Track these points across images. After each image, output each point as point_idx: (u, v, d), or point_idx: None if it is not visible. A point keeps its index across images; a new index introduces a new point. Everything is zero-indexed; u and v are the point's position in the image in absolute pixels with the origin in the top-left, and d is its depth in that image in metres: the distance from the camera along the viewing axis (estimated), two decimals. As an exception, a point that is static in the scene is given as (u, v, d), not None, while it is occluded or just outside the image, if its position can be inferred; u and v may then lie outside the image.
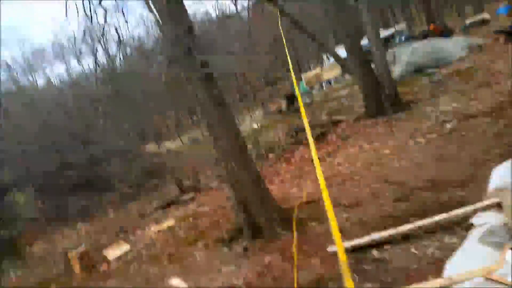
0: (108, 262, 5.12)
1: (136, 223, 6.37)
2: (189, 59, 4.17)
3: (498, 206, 2.99)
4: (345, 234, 3.49)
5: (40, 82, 39.63)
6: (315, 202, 4.36)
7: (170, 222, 5.75)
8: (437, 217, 3.09)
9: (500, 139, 4.29)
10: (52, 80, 39.54)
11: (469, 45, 11.41)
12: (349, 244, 3.25)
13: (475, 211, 3.06)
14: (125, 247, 5.40)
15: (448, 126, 5.30)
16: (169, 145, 13.63)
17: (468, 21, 23.27)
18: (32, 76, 38.22)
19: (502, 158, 3.75)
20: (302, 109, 3.68)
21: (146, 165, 9.58)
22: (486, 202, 3.06)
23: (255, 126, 12.38)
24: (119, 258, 5.14)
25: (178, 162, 10.04)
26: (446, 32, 20.55)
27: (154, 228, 5.88)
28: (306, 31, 12.39)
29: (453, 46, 11.16)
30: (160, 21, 4.37)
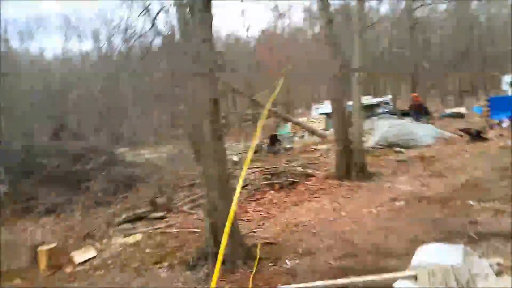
0: (74, 264, 5.29)
1: (103, 231, 6.65)
2: (210, 77, 4.38)
3: (415, 278, 3.78)
4: (296, 277, 4.17)
5: (33, 50, 38.87)
6: (275, 245, 5.03)
7: (137, 237, 6.02)
8: (370, 277, 3.84)
9: (438, 225, 5.14)
10: (44, 53, 39.01)
11: (438, 135, 12.74)
12: (296, 286, 3.93)
13: (398, 278, 3.84)
14: (91, 253, 5.57)
15: (398, 204, 6.19)
16: (147, 155, 13.90)
17: (447, 111, 25.34)
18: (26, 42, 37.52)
19: (434, 240, 4.59)
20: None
21: (123, 172, 9.87)
22: (407, 273, 3.84)
23: (235, 158, 13.03)
24: (84, 262, 5.32)
25: (154, 176, 10.39)
26: (425, 111, 22.20)
27: (121, 240, 6.10)
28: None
29: (424, 133, 12.45)
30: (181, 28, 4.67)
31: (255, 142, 7.07)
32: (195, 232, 5.94)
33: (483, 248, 4.36)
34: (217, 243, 4.62)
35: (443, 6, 40.16)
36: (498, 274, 3.68)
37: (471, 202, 5.87)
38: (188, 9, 4.53)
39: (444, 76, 40.30)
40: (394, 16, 29.88)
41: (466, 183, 7.01)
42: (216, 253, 4.62)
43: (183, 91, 6.36)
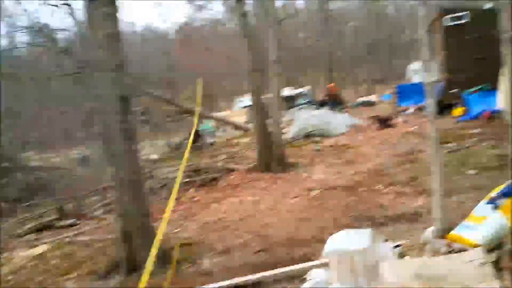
0: None
1: (4, 243, 5.97)
2: (118, 76, 4.12)
3: (327, 265, 3.93)
4: (213, 277, 4.09)
5: None
6: (191, 245, 4.89)
7: (42, 248, 5.48)
8: (281, 270, 3.90)
9: (349, 211, 5.43)
10: None
11: (351, 124, 13.56)
12: (212, 286, 3.84)
13: (311, 267, 3.95)
14: None
15: (313, 193, 6.44)
16: (54, 158, 12.71)
17: (358, 99, 27.13)
18: None
19: (345, 226, 4.84)
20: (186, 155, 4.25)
21: (27, 178, 8.95)
22: (319, 261, 3.98)
23: (154, 156, 12.54)
24: None
25: (62, 180, 9.56)
26: (339, 100, 23.57)
27: (24, 252, 5.57)
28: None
29: (339, 122, 13.17)
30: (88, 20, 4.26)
31: (191, 138, 6.89)
32: (107, 239, 5.54)
33: (390, 230, 4.71)
34: (130, 250, 4.37)
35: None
36: (400, 255, 3.97)
37: (379, 186, 6.31)
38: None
39: (355, 66, 43.09)
40: (309, 8, 31.11)
41: (374, 170, 7.53)
42: (129, 260, 4.38)
43: (91, 89, 5.88)
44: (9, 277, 4.75)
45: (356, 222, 4.97)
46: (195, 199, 7.48)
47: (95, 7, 4.13)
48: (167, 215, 3.61)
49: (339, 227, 4.86)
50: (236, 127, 18.72)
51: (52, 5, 9.45)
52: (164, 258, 4.46)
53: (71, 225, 6.66)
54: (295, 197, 6.44)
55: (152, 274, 4.26)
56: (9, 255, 5.56)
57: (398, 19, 45.32)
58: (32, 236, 6.31)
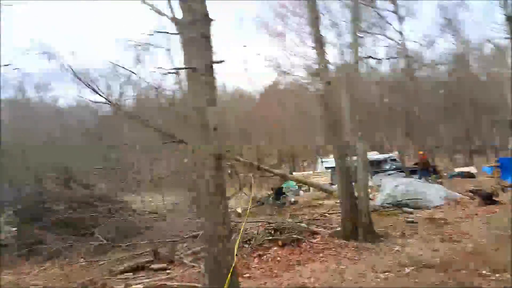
0: None
1: (105, 280, 6.46)
2: (214, 134, 4.41)
3: None
4: None
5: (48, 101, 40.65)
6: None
7: (138, 287, 5.93)
8: None
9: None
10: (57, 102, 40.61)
11: (447, 196, 12.49)
12: None
13: None
14: None
15: (407, 270, 5.92)
16: (150, 202, 13.77)
17: (456, 170, 25.06)
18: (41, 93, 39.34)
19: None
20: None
21: (126, 218, 9.77)
22: None
23: (239, 210, 12.85)
24: None
25: (157, 224, 10.24)
26: (433, 170, 21.97)
27: None
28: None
29: (433, 194, 12.23)
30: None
31: (252, 195, 7.07)
32: (194, 286, 5.70)
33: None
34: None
35: (442, 66, 41.22)
36: None
37: (484, 271, 5.59)
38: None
39: (435, 125, 39.94)
40: (394, 76, 30.63)
41: (474, 250, 6.73)
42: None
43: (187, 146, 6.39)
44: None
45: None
46: (277, 258, 7.37)
47: (195, 75, 4.59)
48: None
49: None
50: (318, 188, 18.43)
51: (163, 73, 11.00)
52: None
53: (163, 269, 6.96)
54: (385, 271, 5.98)
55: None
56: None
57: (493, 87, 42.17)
58: (129, 275, 6.72)
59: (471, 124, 39.86)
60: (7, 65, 14.11)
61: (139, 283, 6.10)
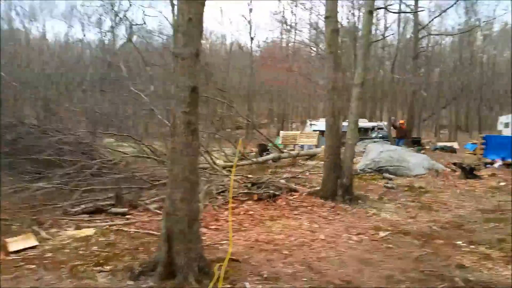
0: (6, 252, 4.55)
1: (56, 220, 6.03)
2: (191, 62, 3.92)
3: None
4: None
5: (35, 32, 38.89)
6: (239, 262, 4.47)
7: (89, 231, 5.36)
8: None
9: (421, 264, 4.65)
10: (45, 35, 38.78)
11: (431, 166, 12.33)
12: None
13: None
14: (31, 242, 4.83)
15: (381, 234, 5.69)
16: (126, 148, 13.07)
17: (439, 144, 25.22)
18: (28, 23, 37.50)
19: (415, 281, 4.12)
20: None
21: (97, 162, 9.24)
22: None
23: (219, 162, 12.50)
24: (19, 252, 4.59)
25: (127, 168, 9.78)
26: (417, 141, 22.29)
27: (71, 231, 5.44)
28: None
29: (417, 162, 12.04)
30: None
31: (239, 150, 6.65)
32: (155, 235, 5.33)
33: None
34: (170, 253, 4.06)
35: (447, 40, 40.50)
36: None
37: (459, 242, 5.40)
38: None
39: (440, 108, 40.38)
40: (400, 43, 29.84)
41: (454, 221, 6.56)
42: (167, 264, 4.05)
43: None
44: (47, 255, 4.64)
45: (429, 279, 4.19)
46: (250, 212, 7.10)
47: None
48: (230, 228, 3.29)
49: (408, 281, 4.16)
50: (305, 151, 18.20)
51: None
52: (204, 271, 4.10)
53: (123, 214, 6.58)
54: (359, 234, 5.75)
55: (187, 285, 3.94)
56: (56, 232, 5.53)
57: (492, 68, 42.01)
58: (84, 217, 6.33)
59: (473, 114, 40.32)
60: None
61: (93, 226, 5.69)
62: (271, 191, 8.27)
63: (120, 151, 10.82)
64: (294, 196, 8.31)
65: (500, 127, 25.62)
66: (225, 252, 4.68)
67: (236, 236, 5.58)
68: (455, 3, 27.18)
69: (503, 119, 25.17)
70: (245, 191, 8.42)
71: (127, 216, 6.43)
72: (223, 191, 8.06)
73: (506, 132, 21.86)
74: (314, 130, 24.73)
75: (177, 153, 4.15)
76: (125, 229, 5.64)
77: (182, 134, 4.09)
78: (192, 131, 4.10)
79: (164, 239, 4.16)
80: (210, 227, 6.03)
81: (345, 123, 10.21)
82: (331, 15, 8.56)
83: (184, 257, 4.04)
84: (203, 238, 5.32)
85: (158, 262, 4.10)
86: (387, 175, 11.21)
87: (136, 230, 5.67)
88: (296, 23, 40.38)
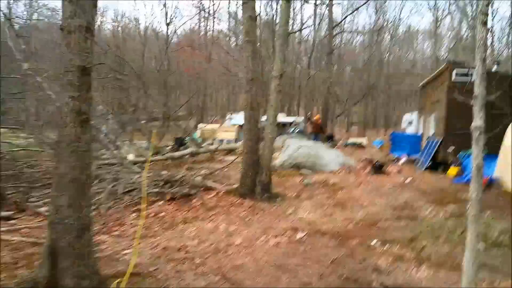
0: None
1: None
2: (82, 39, 3.28)
3: None
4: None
5: None
6: (140, 277, 3.85)
7: None
8: None
9: (338, 268, 4.50)
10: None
11: (343, 162, 12.80)
12: None
13: None
14: None
15: (298, 236, 5.51)
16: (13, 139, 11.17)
17: (349, 140, 26.75)
18: None
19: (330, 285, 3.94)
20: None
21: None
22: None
23: (131, 157, 11.45)
24: None
25: (13, 164, 8.32)
26: (331, 136, 23.40)
27: None
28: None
29: (331, 159, 12.39)
30: None
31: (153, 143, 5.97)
32: (42, 244, 4.42)
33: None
34: (53, 271, 3.31)
35: (358, 39, 43.46)
36: None
37: (373, 242, 5.42)
38: None
39: (352, 105, 43.15)
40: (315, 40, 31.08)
41: (367, 219, 6.67)
42: (49, 284, 3.32)
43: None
44: None
45: (347, 284, 4.05)
46: (161, 214, 6.45)
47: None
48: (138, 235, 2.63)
49: (324, 285, 3.97)
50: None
51: None
52: (100, 288, 3.45)
53: (7, 218, 5.48)
54: (277, 236, 5.49)
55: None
56: None
57: (397, 68, 46.06)
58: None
59: (381, 112, 43.60)
60: None
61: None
62: (185, 190, 7.68)
63: (7, 142, 9.18)
64: (211, 195, 7.83)
65: (404, 125, 27.67)
66: (127, 264, 4.03)
67: (143, 244, 4.91)
68: (365, 3, 29.06)
69: (407, 117, 27.13)
70: (156, 189, 7.68)
71: (11, 222, 5.34)
72: (130, 190, 7.23)
73: (410, 130, 23.58)
74: (233, 124, 24.45)
75: (64, 148, 3.39)
76: (7, 237, 4.63)
77: (70, 124, 3.34)
78: (82, 121, 3.37)
79: (47, 255, 3.40)
80: (112, 233, 5.26)
81: (264, 117, 10.01)
82: (248, 0, 8.17)
83: (71, 276, 3.34)
84: (102, 247, 4.60)
85: (38, 283, 3.34)
86: (304, 170, 11.33)
87: (21, 239, 4.68)
88: (215, 11, 39.75)
